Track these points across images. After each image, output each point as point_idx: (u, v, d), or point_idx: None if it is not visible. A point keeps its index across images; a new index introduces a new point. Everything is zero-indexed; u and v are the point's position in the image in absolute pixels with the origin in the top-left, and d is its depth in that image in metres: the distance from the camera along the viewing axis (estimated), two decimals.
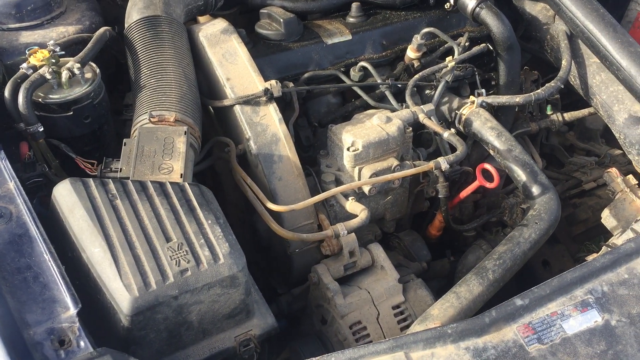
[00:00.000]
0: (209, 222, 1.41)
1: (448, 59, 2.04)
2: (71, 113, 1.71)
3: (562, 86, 2.07)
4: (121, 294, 1.29)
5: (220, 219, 1.43)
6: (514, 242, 1.76)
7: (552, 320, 1.38)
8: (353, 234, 1.77)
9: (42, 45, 1.77)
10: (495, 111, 2.24)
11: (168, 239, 1.37)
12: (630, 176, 2.18)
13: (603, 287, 1.45)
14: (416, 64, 2.12)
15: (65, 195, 1.41)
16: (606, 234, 2.12)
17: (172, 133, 1.62)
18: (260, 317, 1.55)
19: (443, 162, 1.79)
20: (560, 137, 2.65)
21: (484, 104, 2.09)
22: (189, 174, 1.61)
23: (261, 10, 2.11)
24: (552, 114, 2.32)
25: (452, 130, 1.90)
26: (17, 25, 1.88)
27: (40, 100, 1.68)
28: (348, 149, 1.82)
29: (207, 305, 1.39)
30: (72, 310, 1.27)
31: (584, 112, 2.33)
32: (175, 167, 1.55)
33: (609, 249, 1.63)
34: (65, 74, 1.68)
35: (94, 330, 1.29)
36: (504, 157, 1.94)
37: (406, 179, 1.96)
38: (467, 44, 2.19)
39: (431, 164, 1.79)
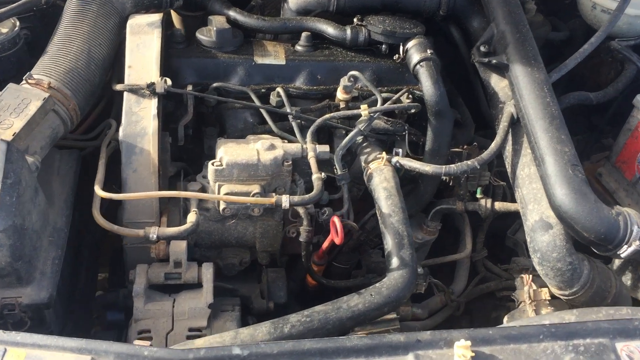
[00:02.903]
0: None
1: (363, 107, 1.95)
2: None
3: (478, 167, 1.89)
4: None
5: (9, 179, 1.47)
6: (335, 305, 1.63)
7: None
8: (183, 245, 1.74)
9: None
10: (419, 177, 2.10)
11: None
12: (545, 290, 1.94)
13: None
14: (342, 105, 2.05)
15: None
16: None
17: (32, 96, 1.70)
18: (36, 288, 1.57)
19: (285, 200, 1.70)
20: None
21: (397, 164, 1.96)
22: (36, 136, 1.68)
23: (209, 17, 2.15)
24: (481, 199, 2.12)
25: (323, 175, 1.80)
26: None
27: None
28: (213, 163, 1.79)
29: None
30: None
31: (517, 205, 2.10)
32: (15, 125, 1.62)
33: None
34: None
35: None
36: (383, 219, 1.81)
37: (278, 213, 1.89)
38: (408, 100, 2.07)
39: (272, 199, 1.71)
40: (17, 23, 1.94)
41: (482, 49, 2.13)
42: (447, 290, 2.13)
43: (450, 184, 2.15)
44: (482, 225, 2.32)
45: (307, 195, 1.73)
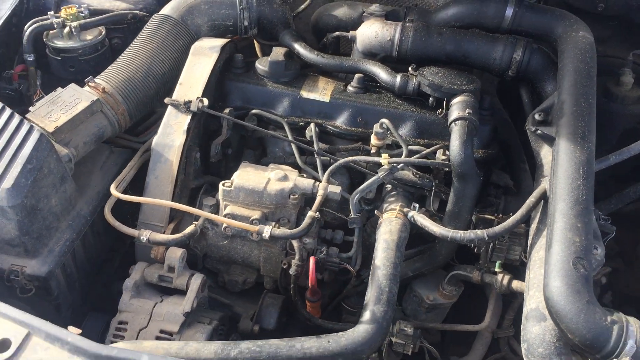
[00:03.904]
0: (19, 161, 1.70)
1: (384, 155, 1.93)
2: (59, 58, 2.16)
3: (486, 238, 1.78)
4: None
5: (30, 164, 1.70)
6: (289, 343, 1.64)
7: None
8: (180, 252, 1.86)
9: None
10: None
11: None
12: None
13: None
14: (373, 150, 2.05)
15: None
16: None
17: (84, 97, 1.95)
18: (39, 262, 1.79)
19: (266, 231, 1.76)
20: None
21: (413, 219, 1.92)
22: (81, 132, 1.93)
23: (273, 47, 2.27)
24: (499, 273, 1.97)
25: (317, 215, 1.82)
26: None
27: (45, 41, 2.17)
28: (223, 184, 1.90)
29: None
30: None
31: None
32: (59, 120, 1.88)
33: None
34: (67, 29, 2.14)
35: None
36: (372, 270, 1.80)
37: (280, 242, 1.94)
38: (444, 157, 2.01)
39: (256, 227, 1.77)
40: (103, 32, 2.23)
41: (536, 117, 2.00)
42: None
43: (475, 250, 2.04)
44: (513, 302, 2.16)
45: (289, 230, 1.77)
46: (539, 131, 1.94)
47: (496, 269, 1.98)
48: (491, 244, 1.98)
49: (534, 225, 1.87)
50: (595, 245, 1.76)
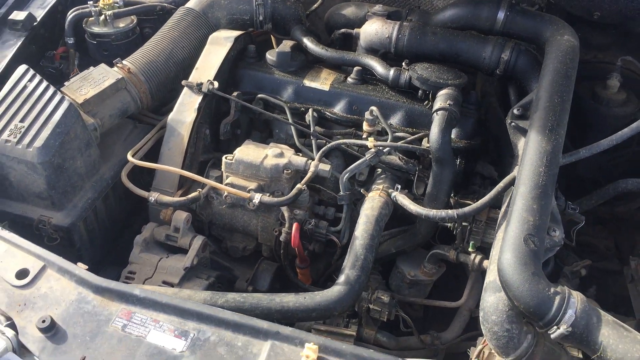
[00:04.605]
0: (49, 125, 1.98)
1: (370, 139, 2.14)
2: (95, 42, 2.45)
3: (456, 217, 1.97)
4: None
5: (59, 128, 1.98)
6: (269, 297, 1.86)
7: (147, 323, 1.58)
8: (185, 215, 2.11)
9: None
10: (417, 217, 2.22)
11: (22, 120, 2.00)
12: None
13: (212, 337, 1.55)
14: (365, 135, 2.25)
15: (16, 69, 2.15)
16: None
17: (111, 75, 2.22)
18: (64, 215, 2.06)
19: (257, 197, 1.99)
20: None
21: (395, 198, 2.12)
22: (107, 105, 2.20)
23: (283, 41, 2.50)
24: (472, 252, 2.14)
25: (304, 187, 2.04)
26: None
27: (84, 27, 2.47)
28: (226, 157, 2.15)
29: (20, 175, 1.98)
30: None
31: None
32: (89, 94, 2.16)
33: None
34: (102, 17, 2.43)
35: None
36: (352, 240, 2.00)
37: (275, 213, 2.17)
38: (427, 145, 2.20)
39: (248, 194, 2.01)
40: (135, 21, 2.51)
41: (515, 111, 2.17)
42: (416, 332, 2.18)
43: (454, 232, 2.22)
44: None
45: (276, 198, 1.99)
46: (513, 124, 2.11)
47: (469, 249, 2.15)
48: (468, 227, 2.16)
49: (503, 209, 2.04)
50: (554, 228, 1.93)
